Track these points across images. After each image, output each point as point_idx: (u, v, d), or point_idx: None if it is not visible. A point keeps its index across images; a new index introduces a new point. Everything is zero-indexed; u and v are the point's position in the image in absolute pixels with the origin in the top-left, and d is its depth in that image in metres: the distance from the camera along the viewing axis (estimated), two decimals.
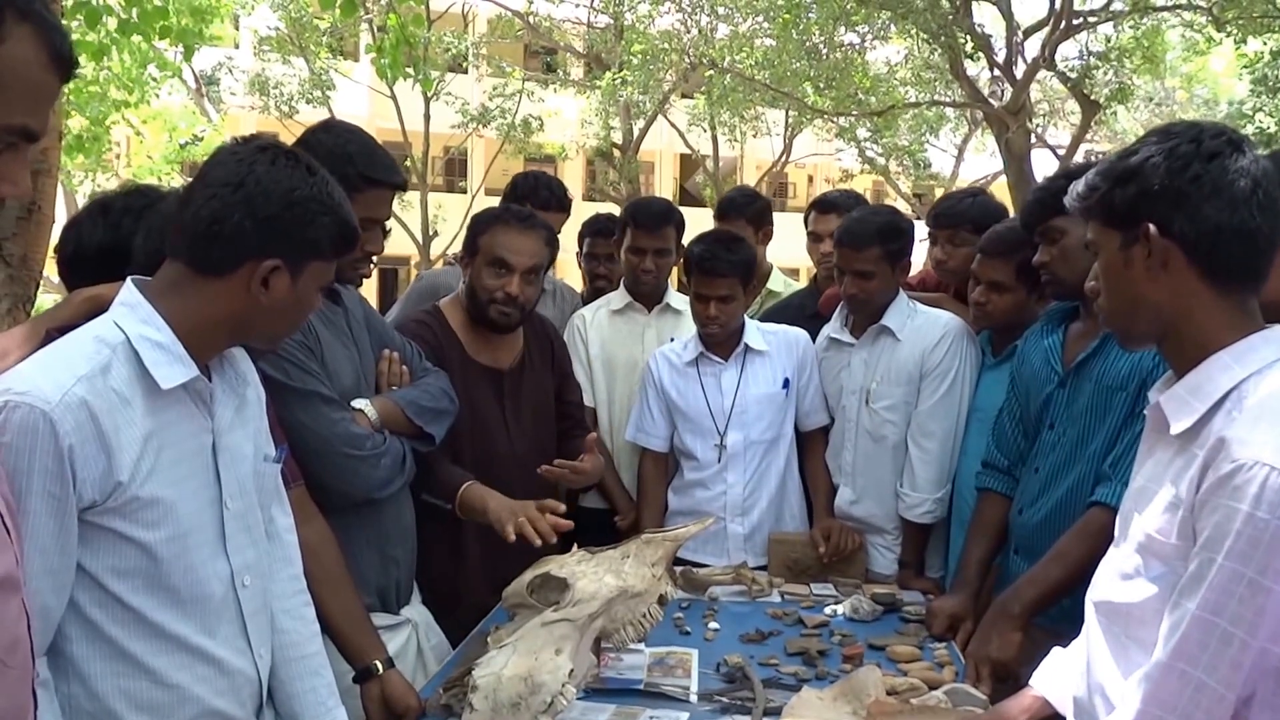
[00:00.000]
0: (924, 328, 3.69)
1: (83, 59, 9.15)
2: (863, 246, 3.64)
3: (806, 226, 4.69)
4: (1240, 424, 1.66)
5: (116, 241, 2.30)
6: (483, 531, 3.31)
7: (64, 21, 7.34)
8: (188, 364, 1.91)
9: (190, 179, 2.03)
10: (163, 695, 1.89)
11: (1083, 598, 2.06)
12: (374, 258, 2.96)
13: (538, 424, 3.57)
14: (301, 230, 1.95)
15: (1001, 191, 15.56)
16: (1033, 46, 18.45)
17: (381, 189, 2.85)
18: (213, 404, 2.00)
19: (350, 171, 2.64)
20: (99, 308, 2.01)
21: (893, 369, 3.69)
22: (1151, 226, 1.76)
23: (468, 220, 3.69)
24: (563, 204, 4.48)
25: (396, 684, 2.54)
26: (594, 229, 4.92)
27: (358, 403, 2.81)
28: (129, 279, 1.96)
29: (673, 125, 27.75)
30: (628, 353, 4.32)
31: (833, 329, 3.94)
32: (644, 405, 3.96)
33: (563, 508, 3.00)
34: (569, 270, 10.87)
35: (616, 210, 4.85)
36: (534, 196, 4.34)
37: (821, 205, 4.65)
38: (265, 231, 1.91)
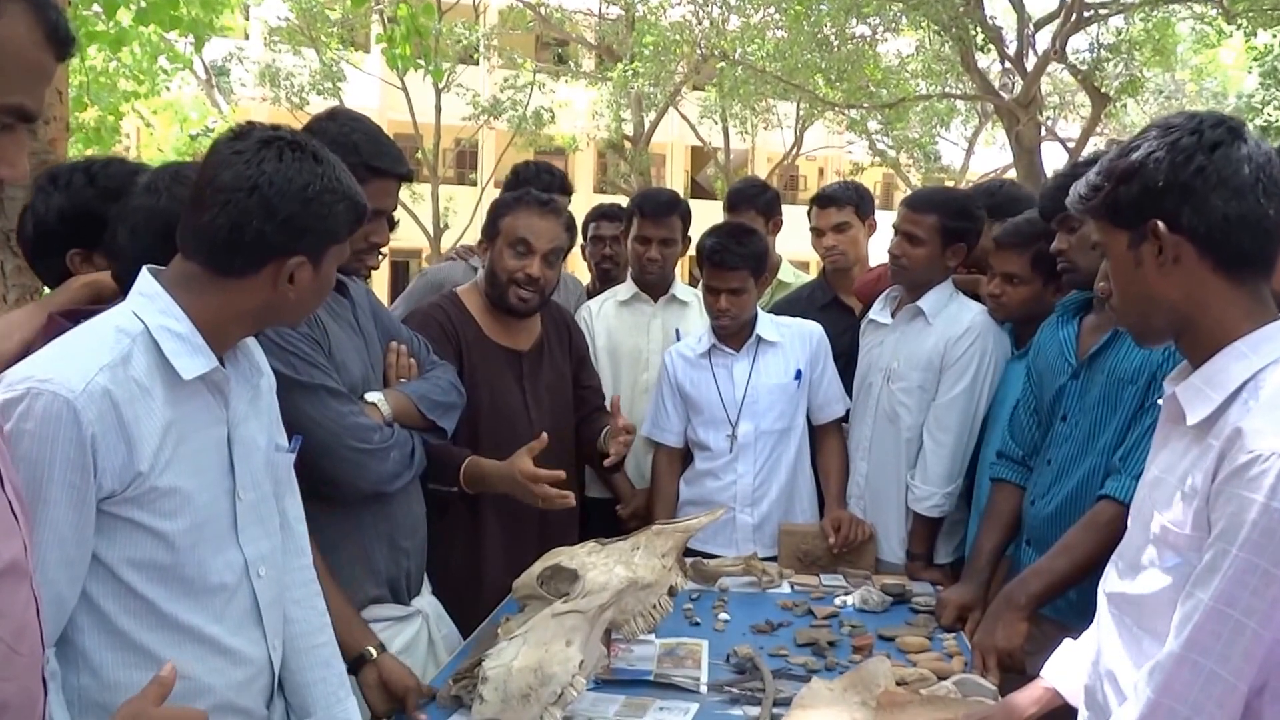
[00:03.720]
0: (954, 317, 3.67)
1: (95, 49, 9.17)
2: (921, 210, 3.65)
3: (809, 222, 4.68)
4: (1256, 414, 1.65)
5: (76, 205, 2.33)
6: (502, 517, 3.33)
7: (80, 10, 7.36)
8: (208, 355, 1.91)
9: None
10: (175, 686, 1.88)
11: (1091, 590, 2.05)
12: (381, 250, 2.96)
13: (556, 407, 3.59)
14: (321, 224, 1.94)
15: None
16: (1043, 39, 18.49)
17: (387, 180, 2.82)
18: (228, 395, 2.00)
19: (355, 162, 2.58)
20: (98, 294, 2.01)
21: (917, 352, 3.69)
22: (1160, 223, 1.75)
23: (486, 207, 3.72)
24: (564, 188, 4.49)
25: (392, 667, 2.53)
26: (599, 214, 4.98)
27: (371, 396, 2.81)
28: (145, 268, 1.95)
29: (684, 117, 27.76)
30: (633, 343, 4.35)
31: (874, 311, 3.94)
32: (659, 401, 3.97)
33: (561, 475, 3.11)
34: (574, 262, 10.85)
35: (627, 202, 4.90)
36: (536, 181, 4.35)
37: (821, 200, 4.63)
38: (287, 232, 1.90)
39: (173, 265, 1.96)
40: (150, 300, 1.89)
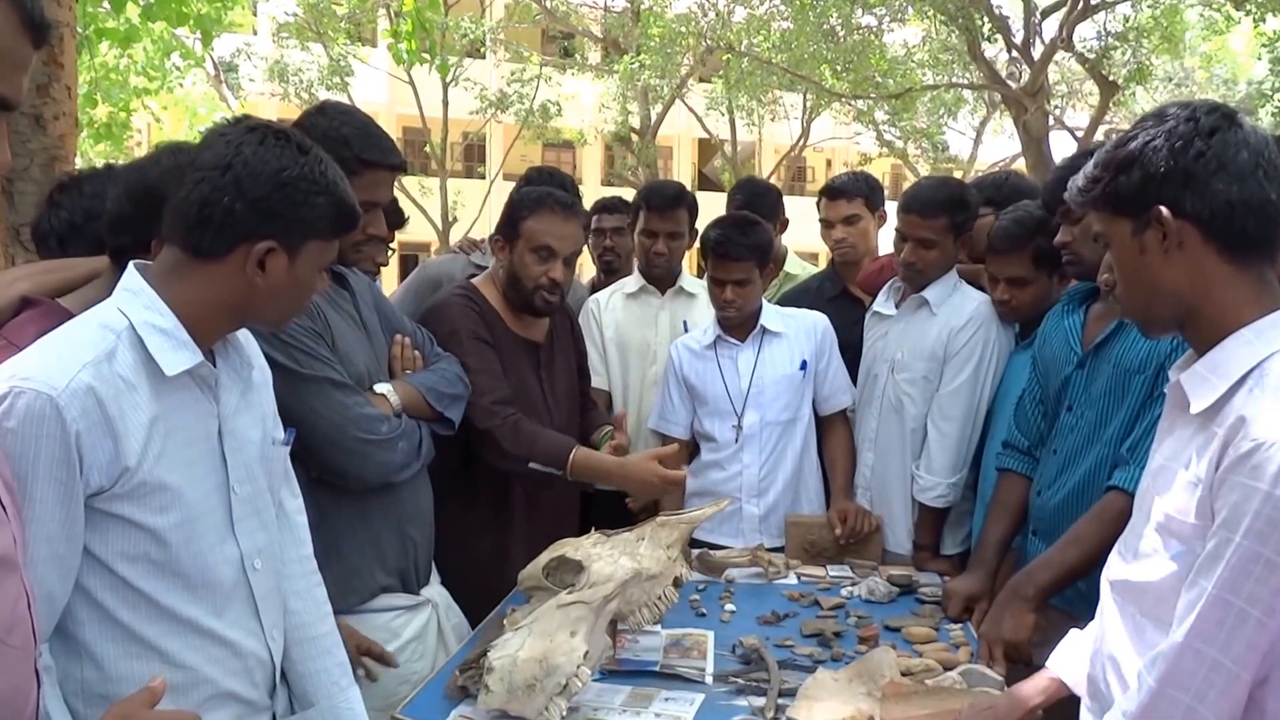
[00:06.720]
0: (957, 306, 3.68)
1: (106, 45, 9.17)
2: (930, 215, 3.63)
3: (819, 213, 4.67)
4: (1261, 402, 1.64)
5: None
6: (528, 508, 3.37)
7: (89, 7, 7.36)
8: (192, 349, 1.90)
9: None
10: (176, 677, 1.88)
11: (1099, 581, 2.05)
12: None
13: (568, 397, 3.62)
14: (294, 210, 1.92)
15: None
16: (1050, 27, 18.44)
17: (379, 171, 2.82)
18: (218, 389, 2.00)
19: (346, 154, 2.61)
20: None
21: (921, 343, 3.69)
22: (1163, 209, 1.74)
23: (494, 201, 3.73)
24: (575, 194, 4.49)
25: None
26: (600, 207, 4.96)
27: (381, 387, 2.83)
28: (130, 264, 1.96)
29: (690, 110, 27.73)
30: (641, 335, 4.35)
31: (878, 303, 3.95)
32: (666, 394, 3.97)
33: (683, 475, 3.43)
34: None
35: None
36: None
37: (831, 192, 4.60)
38: (256, 213, 1.89)
39: (158, 256, 1.97)
40: (135, 295, 1.90)
